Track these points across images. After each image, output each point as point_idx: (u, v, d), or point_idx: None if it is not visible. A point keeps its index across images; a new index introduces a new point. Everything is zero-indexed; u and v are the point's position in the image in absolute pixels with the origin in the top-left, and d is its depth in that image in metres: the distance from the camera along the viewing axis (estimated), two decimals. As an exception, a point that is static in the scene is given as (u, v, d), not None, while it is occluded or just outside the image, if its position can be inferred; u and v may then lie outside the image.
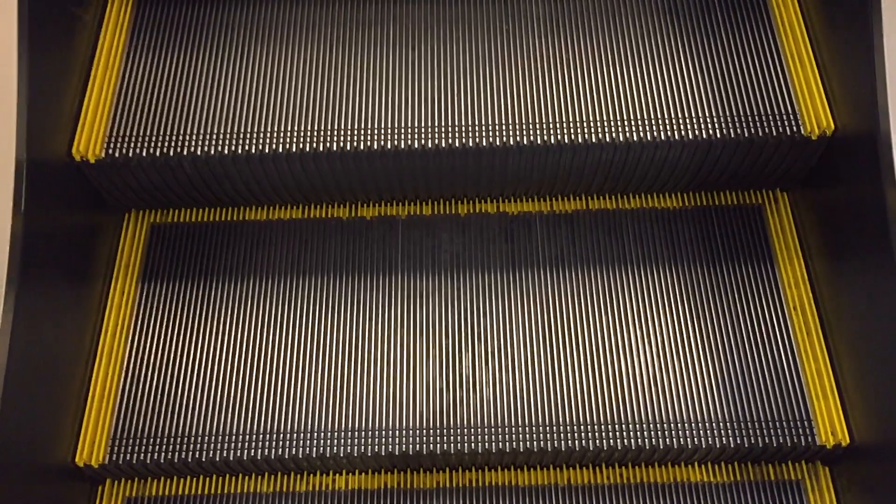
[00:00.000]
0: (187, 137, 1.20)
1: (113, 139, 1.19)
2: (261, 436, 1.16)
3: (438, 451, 1.13)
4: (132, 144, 1.19)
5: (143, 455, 1.14)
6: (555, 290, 1.26)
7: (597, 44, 1.26)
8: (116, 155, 1.18)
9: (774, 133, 1.16)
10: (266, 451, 1.14)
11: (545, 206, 1.33)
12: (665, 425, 1.14)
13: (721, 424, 1.14)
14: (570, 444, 1.12)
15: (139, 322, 1.26)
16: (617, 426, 1.14)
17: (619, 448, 1.12)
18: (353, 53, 1.28)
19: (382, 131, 1.20)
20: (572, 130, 1.18)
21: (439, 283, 1.28)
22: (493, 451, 1.13)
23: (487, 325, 1.24)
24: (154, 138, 1.19)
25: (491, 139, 1.18)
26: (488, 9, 1.31)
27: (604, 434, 1.13)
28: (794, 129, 1.16)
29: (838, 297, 1.17)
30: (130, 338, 1.25)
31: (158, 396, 1.19)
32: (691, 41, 1.26)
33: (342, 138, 1.19)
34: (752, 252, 1.27)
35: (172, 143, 1.19)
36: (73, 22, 1.23)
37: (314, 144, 1.19)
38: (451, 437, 1.15)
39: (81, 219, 1.26)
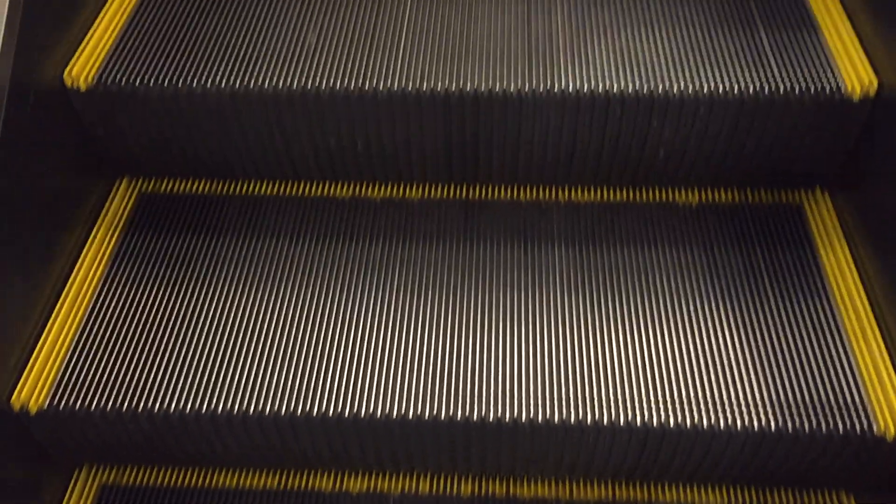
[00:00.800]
0: (147, 389, 1.03)
1: (62, 388, 1.03)
2: None
3: None
4: (83, 395, 1.02)
5: None
6: None
7: (627, 304, 1.11)
8: (61, 407, 1.01)
9: (840, 429, 0.96)
10: None
11: (563, 491, 1.12)
12: None
13: None
14: None
15: None
16: None
17: None
18: (351, 299, 1.13)
19: (375, 395, 1.02)
20: (596, 409, 1.00)
21: (432, 580, 1.05)
22: None
23: None
24: (109, 389, 1.03)
25: (500, 414, 1.00)
26: (507, 256, 1.18)
27: None
28: (865, 425, 0.97)
29: None
30: None
31: None
32: (735, 306, 1.09)
33: (327, 401, 1.02)
34: (815, 570, 1.04)
35: (129, 396, 1.02)
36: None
37: (293, 407, 1.01)
38: None
39: (20, 474, 1.08)
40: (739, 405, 0.99)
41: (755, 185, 1.22)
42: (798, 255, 1.15)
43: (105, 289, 1.15)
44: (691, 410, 0.99)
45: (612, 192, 1.25)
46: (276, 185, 1.28)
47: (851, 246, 1.14)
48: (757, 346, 1.05)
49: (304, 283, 1.16)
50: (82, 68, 1.13)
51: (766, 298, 1.10)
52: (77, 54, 1.15)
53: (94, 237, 1.22)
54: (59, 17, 1.14)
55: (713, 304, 1.11)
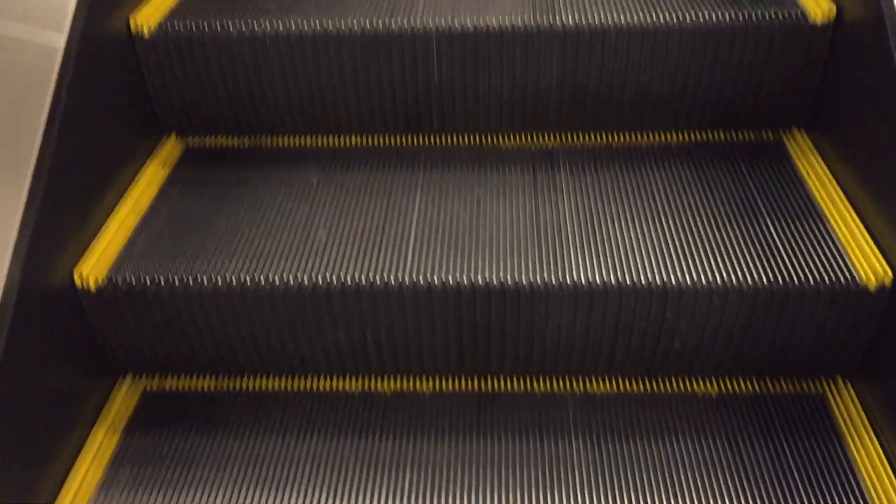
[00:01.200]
0: None
1: None
2: None
3: None
4: None
5: None
6: None
7: (647, 501, 1.05)
8: None
9: None
10: None
11: None
12: None
13: None
14: None
15: None
16: None
17: None
18: (359, 500, 1.07)
19: None
20: None
21: None
22: None
23: None
24: None
25: None
26: (521, 451, 1.13)
27: None
28: None
29: None
30: None
31: None
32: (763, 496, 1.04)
33: None
34: None
35: None
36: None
37: None
38: None
39: None
40: None
41: (775, 374, 1.19)
42: (826, 449, 1.10)
43: (102, 493, 1.10)
44: None
45: (628, 382, 1.22)
46: (283, 380, 1.25)
47: (881, 438, 1.10)
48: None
49: (311, 483, 1.11)
50: (92, 268, 1.13)
51: (797, 496, 1.05)
52: (88, 253, 1.16)
53: (94, 438, 1.17)
54: (72, 217, 1.15)
55: (740, 502, 1.05)
